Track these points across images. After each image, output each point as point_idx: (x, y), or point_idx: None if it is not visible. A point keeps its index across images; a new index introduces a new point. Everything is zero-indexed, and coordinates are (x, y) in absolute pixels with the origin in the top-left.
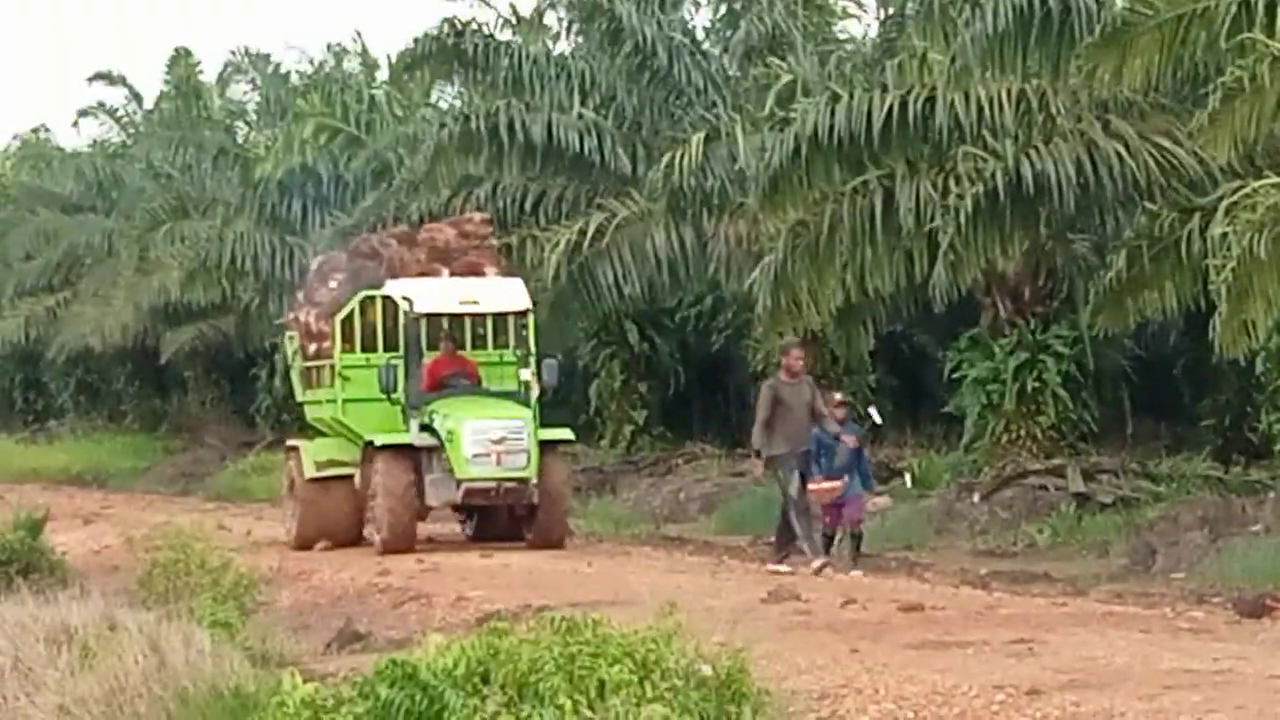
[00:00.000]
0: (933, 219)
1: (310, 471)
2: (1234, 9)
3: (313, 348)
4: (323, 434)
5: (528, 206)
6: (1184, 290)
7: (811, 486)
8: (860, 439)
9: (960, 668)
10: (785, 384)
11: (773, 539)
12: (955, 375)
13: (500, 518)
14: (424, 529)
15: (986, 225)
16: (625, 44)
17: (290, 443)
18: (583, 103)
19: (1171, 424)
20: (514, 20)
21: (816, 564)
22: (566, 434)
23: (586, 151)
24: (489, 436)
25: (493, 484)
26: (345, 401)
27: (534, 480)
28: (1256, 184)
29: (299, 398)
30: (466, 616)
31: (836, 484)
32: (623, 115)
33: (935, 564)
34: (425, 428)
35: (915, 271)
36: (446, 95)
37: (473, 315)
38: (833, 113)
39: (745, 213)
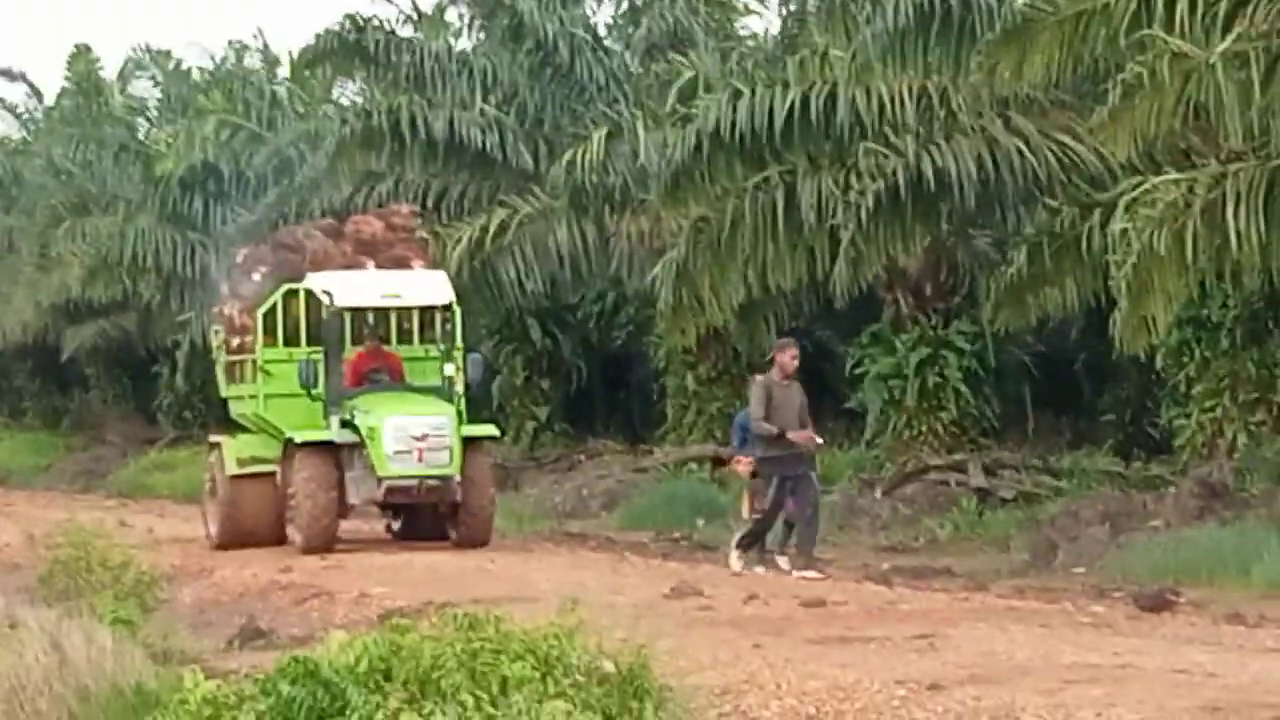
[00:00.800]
0: (834, 215)
1: (232, 469)
2: (1133, 6)
3: (236, 342)
4: (247, 430)
5: (429, 203)
6: (1084, 286)
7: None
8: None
9: (862, 663)
10: (778, 384)
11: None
12: (857, 371)
13: (426, 516)
14: (348, 527)
15: (888, 221)
16: (527, 40)
17: (213, 439)
18: (484, 99)
19: (1072, 419)
20: (416, 17)
21: (736, 564)
22: (491, 430)
23: (488, 148)
24: (411, 433)
25: (415, 482)
26: (267, 397)
27: (457, 478)
28: (1156, 180)
29: (223, 393)
30: (369, 613)
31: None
32: (525, 112)
33: (837, 560)
34: (346, 424)
35: (817, 267)
36: (348, 92)
37: (396, 309)
38: (734, 109)
39: (647, 209)
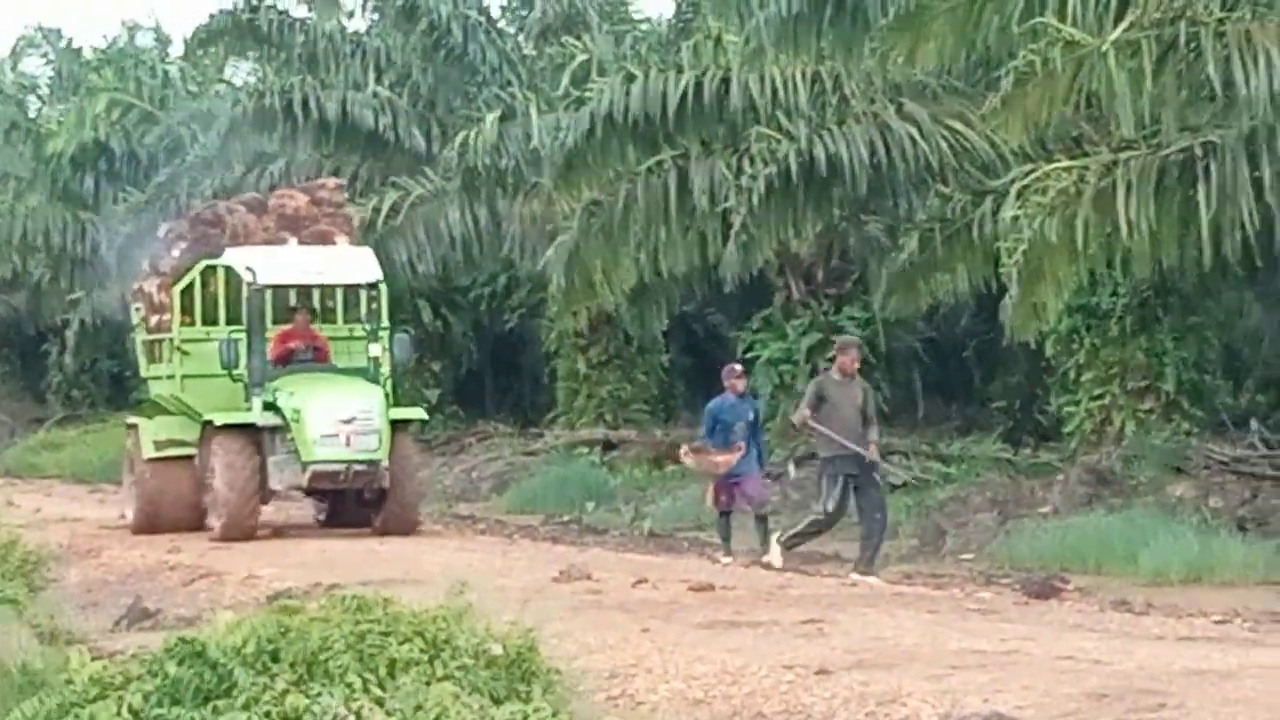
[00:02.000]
0: (726, 200)
1: (149, 451)
2: None
3: (155, 320)
4: (166, 411)
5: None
6: (975, 273)
7: (708, 457)
8: (757, 413)
9: (750, 647)
10: (835, 382)
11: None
12: (748, 356)
13: (352, 503)
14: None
15: (780, 207)
16: (420, 22)
17: (130, 420)
18: (377, 80)
19: (962, 406)
20: None
21: (776, 560)
22: (419, 413)
23: (381, 129)
24: (338, 416)
25: (341, 467)
26: (185, 377)
27: (385, 463)
28: (1048, 167)
29: (142, 373)
30: (257, 594)
31: (731, 456)
32: (417, 93)
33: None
34: (269, 406)
35: (709, 252)
36: (241, 72)
37: (320, 287)
38: (628, 93)
39: (540, 192)
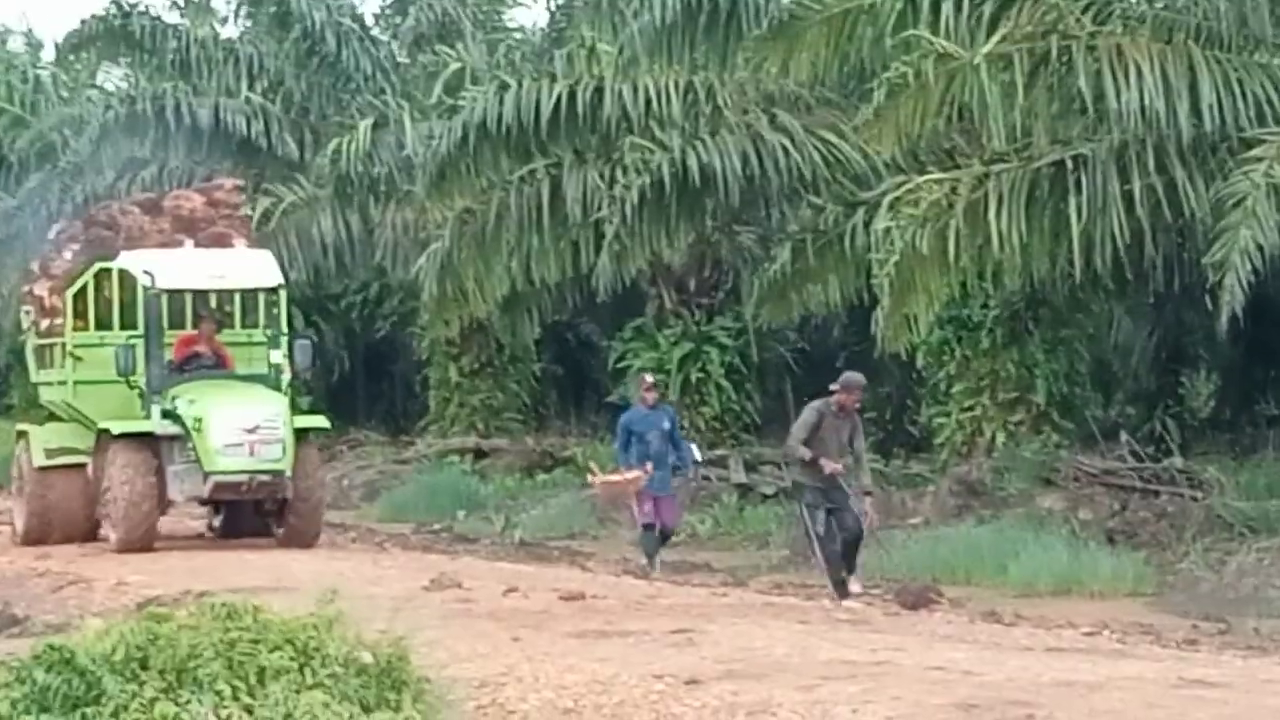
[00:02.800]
0: (599, 209)
1: (40, 459)
2: (899, 6)
3: (46, 324)
4: (57, 418)
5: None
6: (847, 284)
7: (611, 478)
8: (673, 422)
9: (620, 657)
10: (833, 415)
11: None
12: (620, 365)
13: (249, 513)
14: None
15: (652, 216)
16: (294, 29)
17: (20, 426)
18: (250, 87)
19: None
20: (182, 3)
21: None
22: (322, 422)
23: (253, 136)
24: (242, 425)
25: (245, 477)
26: (77, 384)
27: (289, 473)
28: (920, 179)
29: (32, 377)
30: (126, 601)
31: (637, 474)
32: (290, 100)
33: (597, 553)
34: (168, 414)
35: (581, 261)
36: (113, 77)
37: (220, 291)
38: (501, 101)
39: (412, 200)
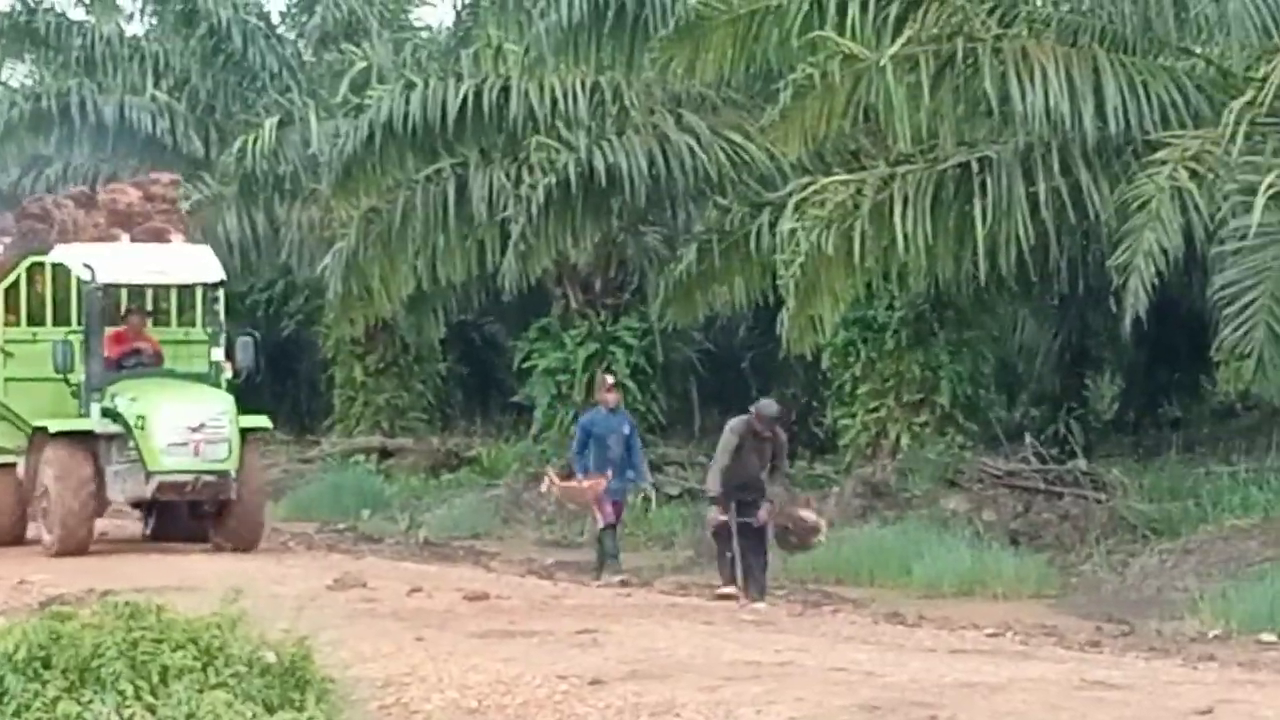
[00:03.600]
0: (505, 209)
1: None
2: (805, 7)
3: None
4: None
5: (98, 188)
6: (753, 285)
7: (570, 484)
8: (632, 427)
9: (524, 657)
10: (753, 437)
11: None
12: (525, 365)
13: (184, 514)
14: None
15: (558, 216)
16: (200, 26)
17: None
18: (156, 85)
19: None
20: (88, 0)
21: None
22: (264, 422)
23: (159, 133)
24: (187, 424)
25: (190, 477)
26: (8, 380)
27: (234, 473)
28: (826, 180)
29: None
30: (29, 600)
31: (599, 481)
32: (196, 98)
33: (502, 553)
34: (108, 412)
35: (487, 260)
36: (17, 74)
37: (162, 286)
38: (407, 101)
39: (318, 199)
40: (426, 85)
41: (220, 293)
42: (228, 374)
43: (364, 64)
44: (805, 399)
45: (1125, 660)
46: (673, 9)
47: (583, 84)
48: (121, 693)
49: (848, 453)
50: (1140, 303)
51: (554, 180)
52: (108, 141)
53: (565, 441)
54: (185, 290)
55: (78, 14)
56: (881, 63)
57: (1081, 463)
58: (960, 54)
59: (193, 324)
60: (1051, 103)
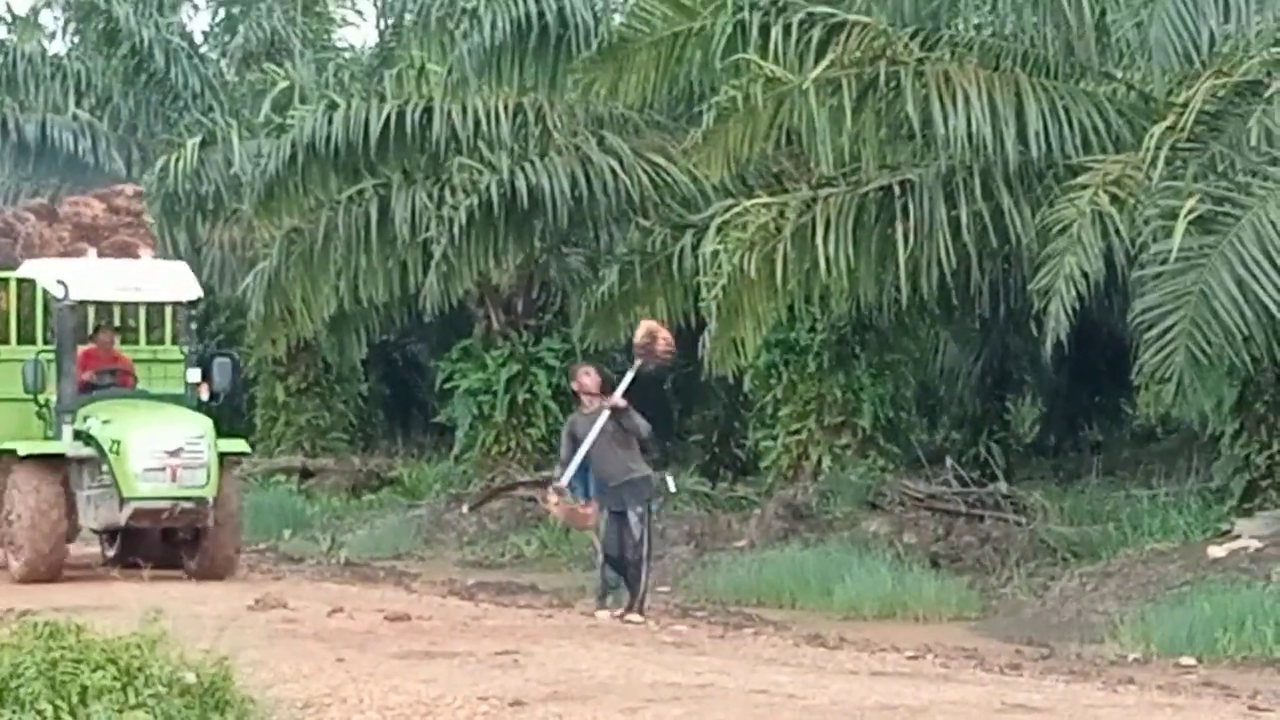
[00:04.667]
0: (427, 229)
1: None
2: (729, 29)
3: None
4: None
5: (59, 200)
6: (675, 307)
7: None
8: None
9: (445, 678)
10: (583, 416)
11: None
12: (447, 385)
13: (152, 540)
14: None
15: (480, 237)
16: (122, 46)
17: None
18: (78, 103)
19: (661, 438)
20: (9, 18)
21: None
22: (243, 446)
23: (80, 153)
24: (163, 447)
25: (167, 503)
26: None
27: (212, 500)
28: (748, 203)
29: None
30: None
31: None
32: (118, 117)
33: (423, 574)
34: (79, 435)
35: (409, 281)
36: None
37: (135, 304)
38: (330, 120)
39: (240, 219)
40: (349, 105)
41: (195, 311)
42: (203, 395)
43: (286, 84)
44: (727, 421)
45: (1045, 683)
46: (596, 30)
47: (505, 105)
48: (40, 713)
49: (769, 474)
50: (1061, 326)
51: (476, 201)
52: (29, 160)
53: (486, 461)
54: (154, 308)
55: None
56: (804, 86)
57: (1002, 486)
58: (883, 77)
59: (161, 342)
60: (974, 126)
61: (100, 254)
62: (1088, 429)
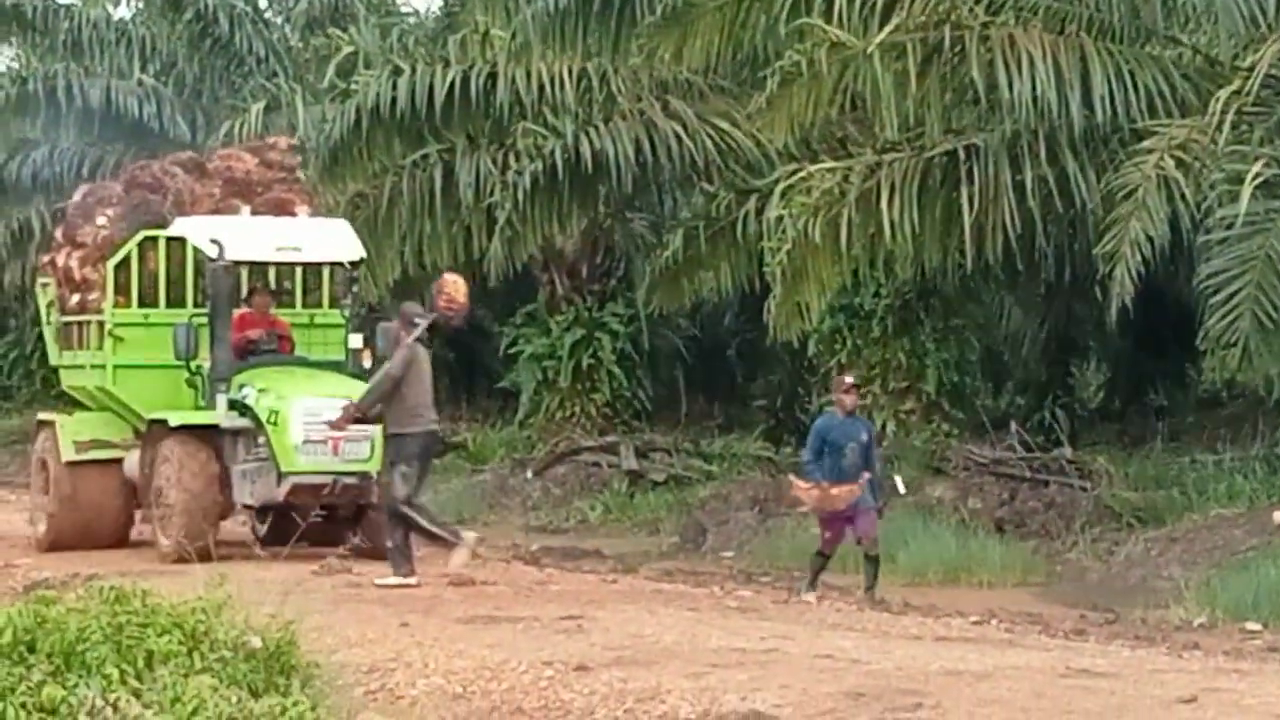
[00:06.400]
0: (492, 194)
1: (69, 454)
2: None
3: (75, 299)
4: (84, 406)
5: (85, 171)
6: (739, 271)
7: (833, 490)
8: (870, 434)
9: (510, 643)
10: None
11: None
12: (512, 351)
13: (308, 517)
14: None
15: (545, 202)
16: (187, 11)
17: (42, 416)
18: (143, 69)
19: (724, 404)
20: None
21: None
22: None
23: (145, 118)
24: (325, 418)
25: (328, 479)
26: (117, 368)
27: (376, 475)
28: (812, 168)
29: (53, 360)
30: (14, 584)
31: (854, 488)
32: (183, 82)
33: (488, 539)
34: (234, 405)
35: (474, 246)
36: (4, 57)
37: (294, 265)
38: (394, 86)
39: (305, 184)
40: (413, 71)
41: (359, 273)
42: (366, 363)
43: (350, 49)
44: (791, 386)
45: (1110, 648)
46: None
47: (569, 70)
48: (107, 677)
49: None
50: (1126, 291)
51: (540, 166)
52: (94, 125)
53: (550, 426)
54: (310, 269)
55: None
56: (869, 50)
57: (1067, 451)
58: (947, 42)
59: (319, 305)
60: (1038, 91)
61: (254, 211)
62: (1153, 394)
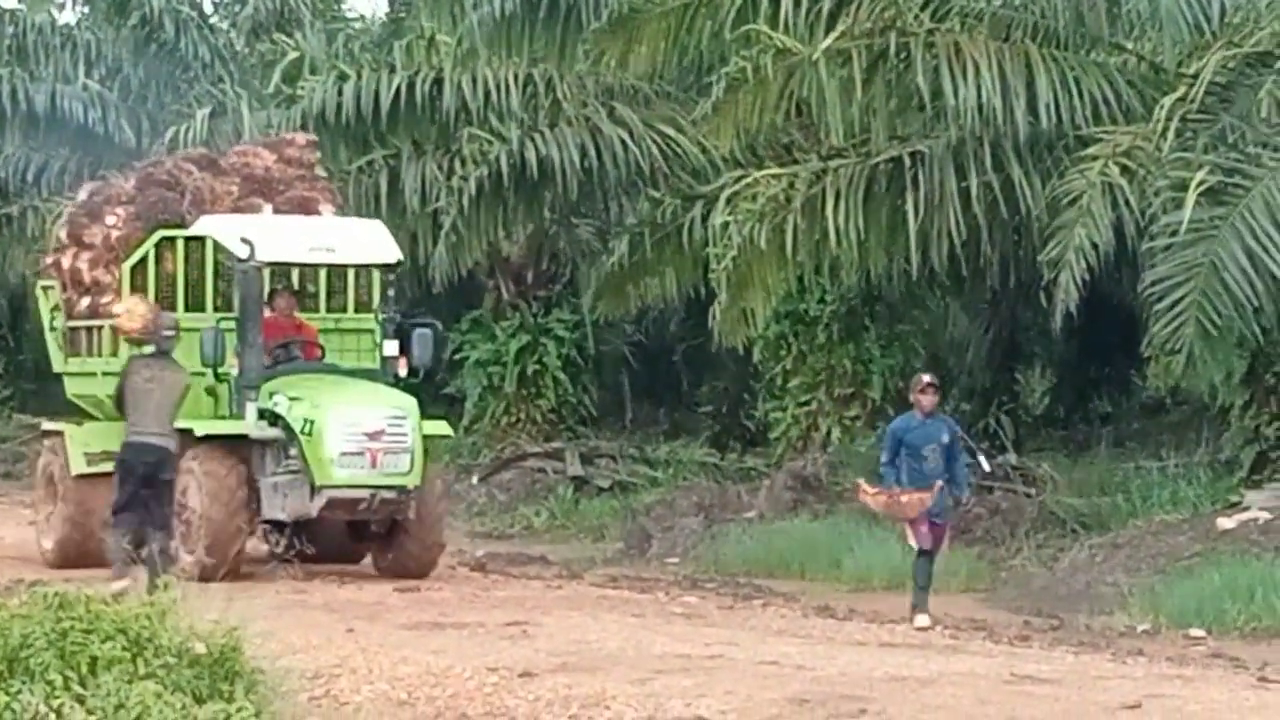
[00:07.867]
0: (437, 200)
1: (79, 466)
2: (739, 0)
3: (84, 303)
4: (91, 416)
5: (29, 177)
6: (685, 278)
7: (903, 498)
8: (953, 434)
9: (455, 649)
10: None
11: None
12: (457, 357)
13: (331, 534)
14: None
15: (490, 208)
16: (132, 16)
17: (48, 426)
18: (88, 74)
19: (670, 410)
20: None
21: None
22: (444, 428)
23: (90, 123)
24: (363, 429)
25: (365, 493)
26: None
27: (414, 489)
28: (758, 174)
29: (57, 367)
30: None
31: (924, 496)
32: (128, 87)
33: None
34: (264, 414)
35: (419, 251)
36: None
37: (329, 267)
38: (340, 91)
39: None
40: (359, 76)
41: (393, 276)
42: (401, 371)
43: (296, 54)
44: (736, 392)
45: (1054, 655)
46: (605, 1)
47: (515, 76)
48: (50, 683)
49: (779, 446)
50: (1071, 298)
51: (486, 172)
52: (39, 131)
53: (496, 432)
54: (335, 271)
55: (9, 2)
56: (814, 57)
57: (1012, 457)
58: (893, 48)
59: (344, 309)
60: (984, 97)
61: (276, 210)
62: (1097, 401)
